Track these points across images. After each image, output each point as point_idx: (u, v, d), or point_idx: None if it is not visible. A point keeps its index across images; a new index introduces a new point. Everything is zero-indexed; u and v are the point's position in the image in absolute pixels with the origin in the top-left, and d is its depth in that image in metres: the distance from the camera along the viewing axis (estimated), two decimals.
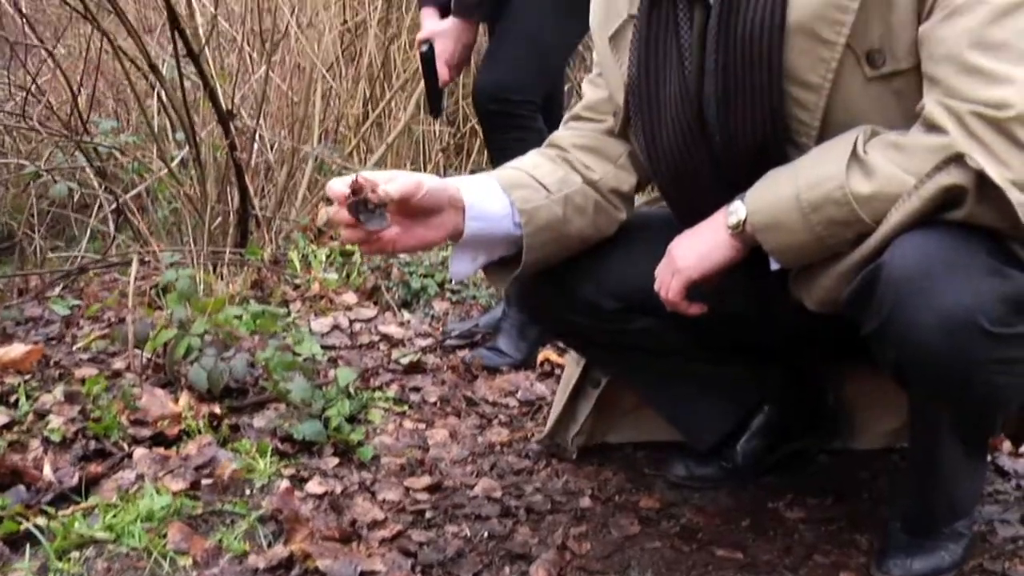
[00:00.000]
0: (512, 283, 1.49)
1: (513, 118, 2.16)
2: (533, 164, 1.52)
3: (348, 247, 2.90)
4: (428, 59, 2.30)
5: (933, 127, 1.18)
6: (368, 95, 3.83)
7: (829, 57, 1.25)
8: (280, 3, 3.31)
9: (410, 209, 1.32)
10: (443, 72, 2.29)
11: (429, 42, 2.30)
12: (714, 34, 1.31)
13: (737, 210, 1.30)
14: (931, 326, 1.13)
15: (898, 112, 1.26)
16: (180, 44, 2.65)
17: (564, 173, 1.51)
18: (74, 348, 2.35)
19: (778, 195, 1.25)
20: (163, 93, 2.91)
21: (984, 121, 1.15)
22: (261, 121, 3.18)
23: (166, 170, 3.00)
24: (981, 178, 1.10)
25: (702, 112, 1.36)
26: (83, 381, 2.03)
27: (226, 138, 2.77)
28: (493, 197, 1.43)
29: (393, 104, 3.77)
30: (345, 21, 4.01)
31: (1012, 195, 1.11)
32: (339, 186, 1.26)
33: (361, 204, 1.25)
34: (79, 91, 3.38)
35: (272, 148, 3.32)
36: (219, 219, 2.96)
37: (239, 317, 2.17)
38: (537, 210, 1.43)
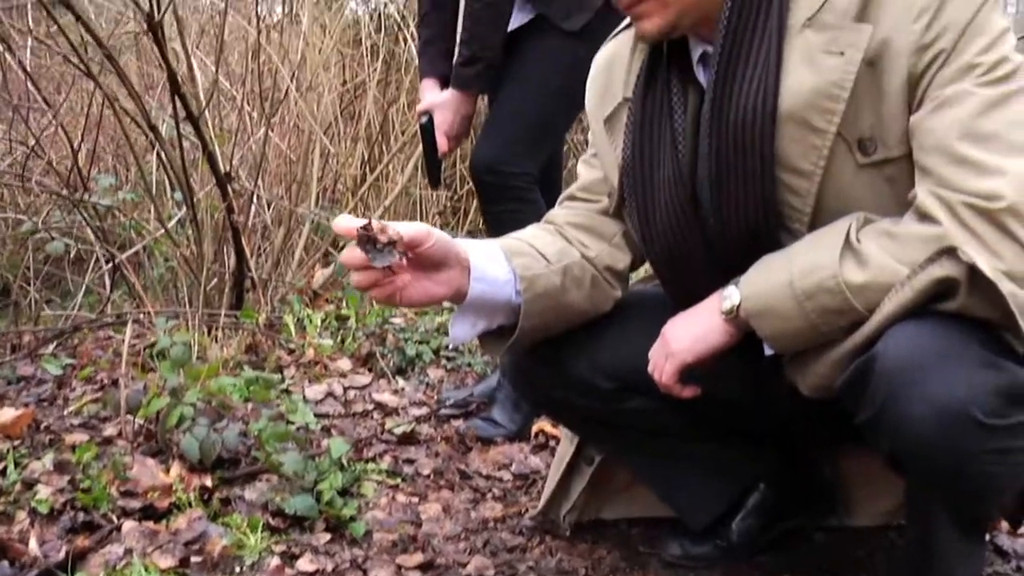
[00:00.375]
0: (507, 351, 1.49)
1: (510, 190, 2.17)
2: (532, 235, 1.53)
3: (343, 311, 2.91)
4: (427, 130, 2.30)
5: (925, 216, 1.19)
6: (366, 157, 3.85)
7: (820, 145, 1.26)
8: (280, 66, 3.34)
9: (418, 259, 1.31)
10: (442, 143, 2.29)
11: (429, 113, 2.30)
12: (707, 119, 1.33)
13: (731, 295, 1.31)
14: (925, 418, 1.12)
15: (891, 198, 1.27)
16: (180, 107, 2.68)
17: (563, 245, 1.52)
18: (66, 412, 2.34)
19: (772, 282, 1.25)
20: (162, 154, 2.94)
21: (976, 212, 1.16)
22: (259, 181, 3.20)
23: (163, 230, 3.02)
24: (973, 271, 1.10)
25: (695, 196, 1.37)
26: (73, 448, 2.02)
27: (223, 200, 2.79)
28: (497, 262, 1.43)
29: (391, 167, 3.78)
30: (345, 82, 4.05)
31: (1004, 287, 1.11)
32: (347, 221, 1.23)
33: (370, 242, 1.22)
34: (79, 147, 3.41)
35: (269, 207, 3.33)
36: (215, 280, 2.97)
37: (233, 385, 2.16)
38: (537, 278, 1.44)
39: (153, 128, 2.82)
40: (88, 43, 2.88)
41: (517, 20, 2.24)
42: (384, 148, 3.91)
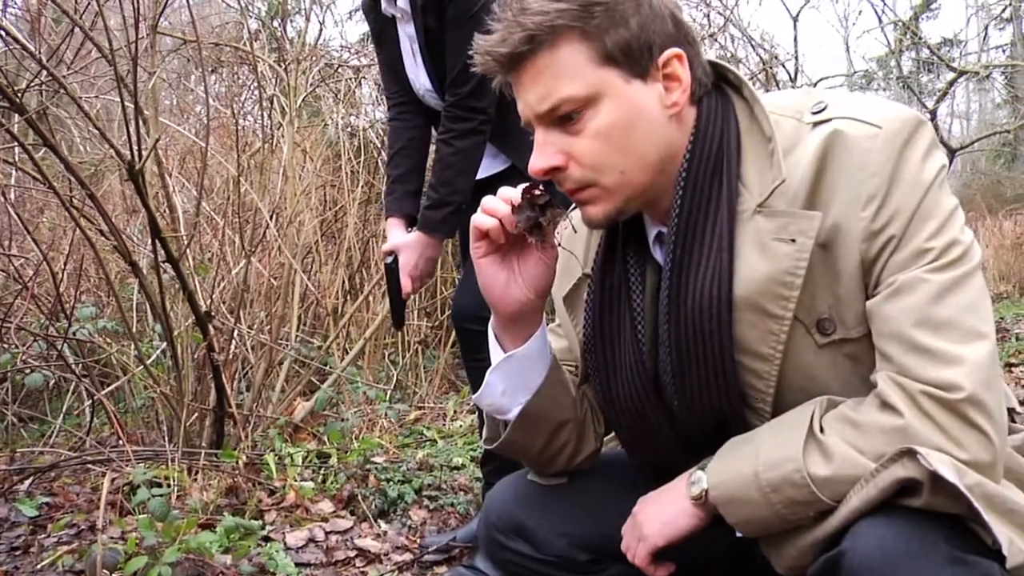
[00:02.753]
0: (509, 430, 1.48)
1: None
2: None
3: (325, 448, 2.89)
4: (392, 270, 2.26)
5: (886, 405, 1.20)
6: (347, 285, 3.86)
7: (778, 330, 1.26)
8: (260, 206, 3.36)
9: (531, 272, 1.35)
10: (406, 285, 2.24)
11: (394, 253, 2.27)
12: (665, 305, 1.33)
13: (699, 480, 1.31)
14: None
15: (854, 374, 1.28)
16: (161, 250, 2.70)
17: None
18: (39, 566, 2.30)
19: (739, 472, 1.26)
20: (143, 288, 2.95)
21: (936, 402, 1.16)
22: (240, 313, 3.21)
23: (142, 367, 3.02)
24: (934, 473, 1.11)
25: (658, 377, 1.38)
26: None
27: (204, 339, 2.79)
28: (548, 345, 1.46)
29: (371, 298, 3.78)
30: (326, 206, 4.09)
31: (967, 481, 1.12)
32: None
33: (535, 203, 1.28)
34: (61, 272, 3.43)
35: (250, 339, 3.34)
36: (195, 415, 2.96)
37: (212, 540, 2.13)
38: (562, 371, 1.47)
39: (133, 264, 2.84)
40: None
41: (491, 168, 2.28)
42: (365, 274, 3.93)
